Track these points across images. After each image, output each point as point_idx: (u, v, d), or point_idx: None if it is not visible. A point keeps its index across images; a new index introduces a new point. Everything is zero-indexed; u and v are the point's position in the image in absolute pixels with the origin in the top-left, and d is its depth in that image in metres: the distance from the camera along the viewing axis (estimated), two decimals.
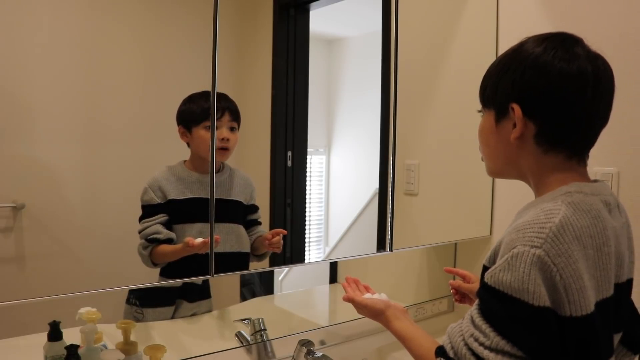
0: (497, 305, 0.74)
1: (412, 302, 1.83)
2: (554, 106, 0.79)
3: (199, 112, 1.27)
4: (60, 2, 1.13)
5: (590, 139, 0.83)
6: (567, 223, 0.74)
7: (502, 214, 1.81)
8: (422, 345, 0.93)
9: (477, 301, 0.78)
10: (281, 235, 1.44)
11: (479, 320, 0.75)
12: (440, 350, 0.81)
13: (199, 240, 1.25)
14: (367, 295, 1.12)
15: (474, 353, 0.74)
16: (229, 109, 1.32)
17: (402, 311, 1.05)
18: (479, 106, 0.94)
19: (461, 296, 1.20)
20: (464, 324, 0.78)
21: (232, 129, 1.33)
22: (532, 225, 0.74)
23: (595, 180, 0.85)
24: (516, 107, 0.81)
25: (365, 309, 1.09)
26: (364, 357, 1.59)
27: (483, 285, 0.77)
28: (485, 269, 0.81)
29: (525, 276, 0.71)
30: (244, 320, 1.46)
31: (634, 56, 1.43)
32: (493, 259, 0.79)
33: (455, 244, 1.92)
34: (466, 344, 0.75)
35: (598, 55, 0.81)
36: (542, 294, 0.71)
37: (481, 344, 0.74)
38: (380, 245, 1.62)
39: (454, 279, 1.22)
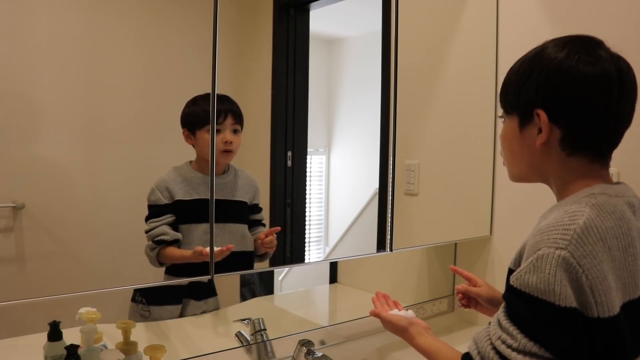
0: (523, 307, 0.74)
1: (412, 302, 1.83)
2: (580, 111, 0.79)
3: (202, 115, 1.27)
4: (61, 2, 1.13)
5: (615, 141, 0.84)
6: (592, 225, 0.74)
7: (502, 214, 1.81)
8: (447, 355, 0.92)
9: (503, 304, 0.78)
10: (274, 235, 1.43)
11: (505, 323, 0.75)
12: (466, 357, 0.81)
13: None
14: (394, 312, 1.13)
15: (501, 356, 0.74)
16: (231, 111, 1.32)
17: (425, 328, 1.05)
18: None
19: (468, 300, 1.18)
20: (491, 328, 0.78)
21: (235, 132, 1.33)
22: (557, 227, 0.74)
23: (618, 183, 0.86)
24: (542, 113, 0.81)
25: (390, 325, 1.09)
26: (364, 357, 1.59)
27: (509, 288, 0.77)
28: (510, 271, 0.81)
29: (551, 277, 0.71)
30: (244, 320, 1.46)
31: (634, 57, 1.43)
32: (518, 262, 0.80)
33: (455, 244, 1.92)
34: (494, 347, 0.76)
35: (620, 57, 0.82)
36: (569, 294, 0.71)
37: (509, 346, 0.74)
38: (380, 245, 1.62)
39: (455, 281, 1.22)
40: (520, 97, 0.84)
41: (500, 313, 0.78)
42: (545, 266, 0.72)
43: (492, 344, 0.76)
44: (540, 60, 0.82)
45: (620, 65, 0.80)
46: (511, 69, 0.88)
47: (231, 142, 1.32)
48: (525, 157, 0.87)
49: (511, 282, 0.77)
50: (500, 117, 0.92)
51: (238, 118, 1.34)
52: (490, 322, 0.81)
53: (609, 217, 0.76)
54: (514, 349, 0.73)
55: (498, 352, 0.75)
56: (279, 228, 1.44)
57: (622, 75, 0.80)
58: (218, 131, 1.29)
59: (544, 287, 0.71)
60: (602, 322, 0.72)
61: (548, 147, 0.83)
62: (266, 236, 1.42)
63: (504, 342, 0.74)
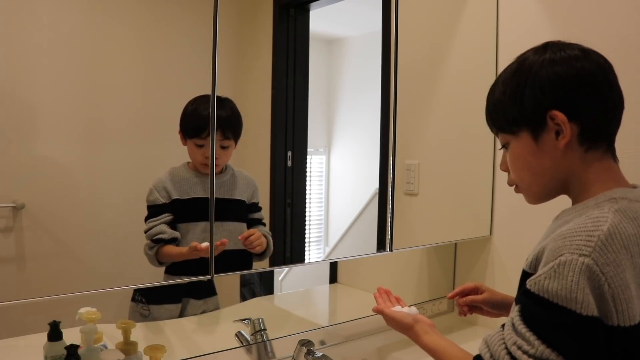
0: (541, 312, 0.72)
1: (412, 302, 1.82)
2: (591, 102, 0.80)
3: (193, 127, 1.27)
4: (60, 2, 1.13)
5: (618, 124, 0.85)
6: (615, 231, 0.73)
7: (502, 214, 1.81)
8: (454, 355, 0.91)
9: (517, 308, 0.77)
10: (251, 236, 1.40)
11: (521, 328, 0.74)
12: (477, 359, 0.80)
13: (205, 244, 1.26)
14: (397, 308, 1.10)
15: None
16: (221, 126, 1.29)
17: (430, 325, 1.03)
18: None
19: (470, 308, 1.15)
20: (506, 332, 0.77)
21: (223, 147, 1.32)
22: (580, 233, 0.73)
23: (635, 186, 0.85)
24: (558, 113, 0.80)
25: (394, 322, 1.07)
26: (364, 357, 1.59)
27: (525, 291, 0.75)
28: (525, 274, 0.80)
29: (573, 285, 0.70)
30: (244, 320, 1.46)
31: (635, 57, 1.43)
32: (534, 265, 0.78)
33: (455, 244, 1.92)
34: (509, 352, 0.74)
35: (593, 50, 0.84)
36: (590, 303, 0.70)
37: (525, 352, 0.72)
38: (380, 245, 1.62)
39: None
40: (524, 109, 0.83)
41: (515, 317, 0.76)
42: (567, 273, 0.70)
43: (506, 348, 0.75)
44: (529, 68, 0.82)
45: (599, 55, 0.83)
46: (495, 91, 0.88)
47: (216, 158, 1.29)
48: (547, 167, 0.85)
49: (528, 286, 0.75)
50: (502, 147, 0.91)
51: (229, 133, 1.32)
52: (503, 325, 0.79)
53: (631, 224, 0.75)
54: (530, 355, 0.71)
55: (514, 358, 0.73)
56: (254, 231, 1.42)
57: (608, 63, 0.83)
58: (201, 146, 1.28)
59: (566, 295, 0.70)
60: (622, 330, 0.71)
61: (569, 147, 0.82)
62: (245, 238, 1.40)
63: (519, 348, 0.73)
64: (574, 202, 0.86)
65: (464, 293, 1.17)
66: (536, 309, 0.73)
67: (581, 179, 0.83)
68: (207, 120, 1.23)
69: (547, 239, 0.78)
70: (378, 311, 1.11)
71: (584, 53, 0.81)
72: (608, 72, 0.82)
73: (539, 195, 0.90)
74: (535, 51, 0.84)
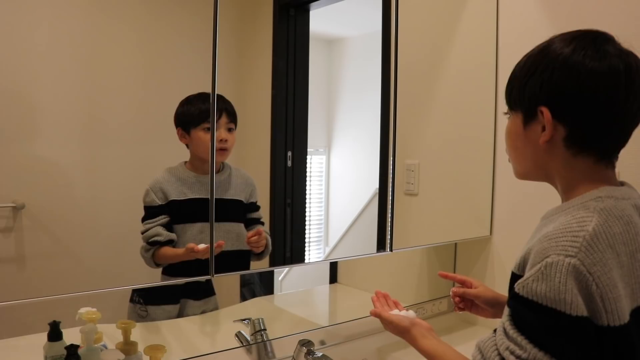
0: (531, 316, 0.72)
1: (412, 302, 1.83)
2: (585, 109, 0.77)
3: (197, 113, 1.27)
4: (61, 2, 1.13)
5: (621, 141, 0.81)
6: (601, 231, 0.72)
7: (502, 214, 1.81)
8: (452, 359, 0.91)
9: (508, 312, 0.76)
10: (261, 235, 1.41)
11: (512, 332, 0.73)
12: None
13: (202, 246, 1.26)
14: (395, 312, 1.10)
15: None
16: (226, 110, 1.32)
17: (428, 329, 1.02)
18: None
19: (465, 304, 1.15)
20: (498, 337, 0.76)
21: (229, 130, 1.34)
22: (565, 234, 0.72)
23: (622, 183, 0.84)
24: (545, 111, 0.79)
25: (391, 326, 1.07)
26: (364, 357, 1.59)
27: (514, 295, 0.75)
28: (514, 276, 0.79)
29: (561, 286, 0.69)
30: (244, 320, 1.46)
31: None
32: (522, 267, 0.78)
33: (455, 244, 1.92)
34: (502, 358, 0.74)
35: (631, 53, 0.79)
36: (579, 303, 0.69)
37: (518, 357, 0.72)
38: (380, 245, 1.62)
39: (452, 285, 1.19)
40: (524, 94, 0.83)
41: (506, 321, 0.76)
42: (554, 274, 0.70)
43: (499, 354, 0.74)
44: (546, 56, 0.80)
45: (630, 62, 0.77)
46: (517, 64, 0.86)
47: (226, 140, 1.33)
48: (529, 155, 0.86)
49: (517, 290, 0.74)
50: (505, 113, 0.91)
51: (232, 117, 1.34)
52: (495, 330, 0.79)
53: (617, 222, 0.75)
54: (523, 359, 0.71)
55: None
56: (261, 230, 1.42)
57: (631, 72, 0.76)
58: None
59: (554, 296, 0.69)
60: (613, 330, 0.71)
61: (552, 146, 0.81)
62: (252, 236, 1.41)
63: (512, 353, 0.72)
64: (562, 199, 0.85)
65: (455, 279, 1.18)
66: (526, 312, 0.73)
67: (566, 178, 0.83)
68: (214, 102, 1.24)
69: (533, 240, 0.77)
70: (375, 315, 1.11)
71: (603, 55, 0.76)
72: (622, 81, 0.76)
73: (520, 173, 0.91)
74: (562, 39, 0.80)
